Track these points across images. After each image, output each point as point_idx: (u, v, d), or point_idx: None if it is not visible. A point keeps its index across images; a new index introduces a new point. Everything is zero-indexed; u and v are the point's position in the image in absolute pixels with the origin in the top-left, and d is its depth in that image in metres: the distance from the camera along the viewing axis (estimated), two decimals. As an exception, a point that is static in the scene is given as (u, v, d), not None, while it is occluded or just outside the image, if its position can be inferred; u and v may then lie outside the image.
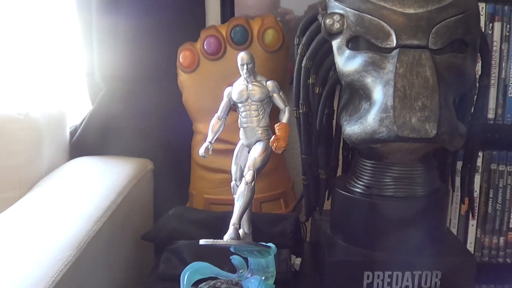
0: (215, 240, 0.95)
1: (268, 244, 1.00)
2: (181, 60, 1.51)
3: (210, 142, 1.07)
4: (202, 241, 0.95)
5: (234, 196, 1.02)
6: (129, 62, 1.57)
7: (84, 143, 1.64)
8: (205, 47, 1.48)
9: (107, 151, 1.63)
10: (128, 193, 1.38)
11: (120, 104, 1.61)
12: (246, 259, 1.09)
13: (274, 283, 1.05)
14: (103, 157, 1.60)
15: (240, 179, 1.03)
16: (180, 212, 1.39)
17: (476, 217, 1.59)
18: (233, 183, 1.09)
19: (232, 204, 1.04)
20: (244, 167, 1.02)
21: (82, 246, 1.08)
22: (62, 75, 1.73)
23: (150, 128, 1.62)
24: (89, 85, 1.66)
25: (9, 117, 1.37)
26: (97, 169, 1.51)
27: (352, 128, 1.08)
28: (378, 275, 1.14)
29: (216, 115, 1.08)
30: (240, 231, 0.99)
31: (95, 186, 1.36)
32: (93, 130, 1.63)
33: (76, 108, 1.73)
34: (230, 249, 1.01)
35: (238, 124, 1.07)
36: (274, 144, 0.99)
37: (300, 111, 1.22)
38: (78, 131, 1.66)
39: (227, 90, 1.09)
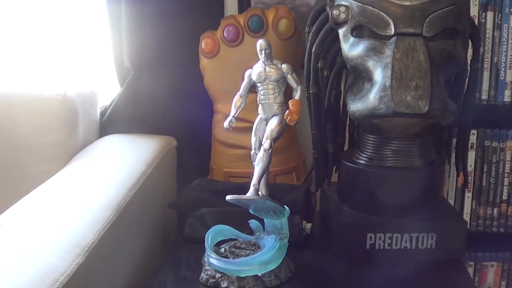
0: (240, 195, 1.06)
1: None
2: (203, 46, 1.61)
3: (233, 116, 1.16)
4: (228, 197, 1.06)
5: (254, 162, 1.12)
6: (155, 48, 1.66)
7: (113, 122, 1.74)
8: (224, 34, 1.58)
9: (134, 130, 1.72)
10: (155, 166, 1.49)
11: (147, 87, 1.70)
12: (262, 224, 1.20)
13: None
14: (131, 135, 1.69)
15: (259, 148, 1.13)
16: (203, 183, 1.49)
17: (470, 189, 1.67)
18: (252, 151, 1.19)
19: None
20: (263, 137, 1.12)
21: (120, 208, 1.21)
22: (94, 61, 1.83)
23: (174, 108, 1.71)
24: (118, 69, 1.76)
25: (49, 97, 1.50)
26: (126, 145, 1.61)
27: (356, 106, 1.17)
28: (380, 237, 1.23)
29: (238, 93, 1.17)
30: (259, 194, 1.11)
31: (126, 159, 1.48)
32: (122, 110, 1.73)
33: (106, 90, 1.83)
34: (249, 210, 1.12)
35: (257, 101, 1.17)
36: (288, 117, 1.09)
37: (311, 91, 1.31)
38: (108, 111, 1.76)
39: (248, 72, 1.18)
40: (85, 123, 1.62)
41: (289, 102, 1.11)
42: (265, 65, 1.15)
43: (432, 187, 1.31)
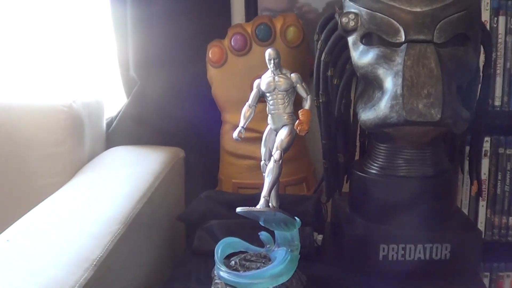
0: (250, 207, 1.06)
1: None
2: (210, 56, 1.62)
3: (242, 127, 1.17)
4: (239, 209, 1.06)
5: (264, 174, 1.13)
6: (161, 58, 1.68)
7: (120, 133, 1.76)
8: (232, 43, 1.59)
9: (141, 141, 1.73)
10: (163, 178, 1.50)
11: (153, 97, 1.72)
12: (272, 236, 1.20)
13: (298, 256, 1.15)
14: (138, 146, 1.71)
15: (269, 159, 1.13)
16: (211, 195, 1.50)
17: (485, 198, 1.67)
18: (262, 162, 1.20)
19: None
20: (272, 148, 1.13)
21: (128, 221, 1.22)
22: (100, 71, 1.85)
23: (181, 119, 1.72)
24: (124, 79, 1.77)
25: (55, 109, 1.51)
26: (133, 156, 1.63)
27: (367, 115, 1.18)
28: (393, 248, 1.23)
29: (247, 103, 1.18)
30: (269, 205, 1.10)
31: (134, 171, 1.49)
32: (128, 121, 1.75)
33: (112, 101, 1.85)
34: (260, 222, 1.13)
35: (267, 111, 1.18)
36: (298, 127, 1.10)
37: (320, 100, 1.31)
38: (115, 122, 1.77)
39: (256, 82, 1.18)
40: (91, 134, 1.63)
41: (299, 112, 1.12)
42: (274, 74, 1.16)
43: (445, 196, 1.32)
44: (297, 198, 1.47)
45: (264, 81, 1.17)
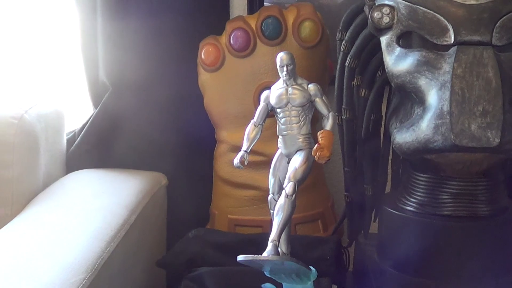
0: (255, 255, 1.04)
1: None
2: (203, 56, 1.61)
3: (245, 151, 1.16)
4: (240, 257, 1.05)
5: (272, 211, 1.12)
6: (140, 59, 1.68)
7: (85, 153, 1.75)
8: (231, 41, 1.59)
9: (112, 163, 1.73)
10: (140, 212, 1.50)
11: (128, 108, 1.71)
12: None
13: (312, 315, 1.15)
14: (108, 170, 1.71)
15: (279, 192, 1.13)
16: (201, 234, 1.50)
17: None
18: (270, 196, 1.18)
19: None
20: (283, 179, 1.12)
21: (96, 268, 1.20)
22: (60, 75, 1.85)
23: (165, 136, 1.72)
24: (92, 84, 1.76)
25: (2, 121, 1.49)
26: (102, 183, 1.62)
27: (403, 137, 1.17)
28: None
29: (252, 121, 1.17)
30: (279, 251, 1.10)
31: (103, 203, 1.48)
32: (96, 137, 1.74)
33: (74, 113, 1.84)
34: (265, 273, 1.11)
35: (277, 131, 1.17)
36: (317, 154, 1.08)
37: (343, 117, 1.32)
38: (78, 139, 1.76)
39: (265, 94, 1.18)
40: (48, 154, 1.62)
41: (319, 133, 1.11)
42: (287, 85, 1.16)
43: (503, 242, 1.30)
44: (312, 241, 1.47)
45: (275, 93, 1.17)
